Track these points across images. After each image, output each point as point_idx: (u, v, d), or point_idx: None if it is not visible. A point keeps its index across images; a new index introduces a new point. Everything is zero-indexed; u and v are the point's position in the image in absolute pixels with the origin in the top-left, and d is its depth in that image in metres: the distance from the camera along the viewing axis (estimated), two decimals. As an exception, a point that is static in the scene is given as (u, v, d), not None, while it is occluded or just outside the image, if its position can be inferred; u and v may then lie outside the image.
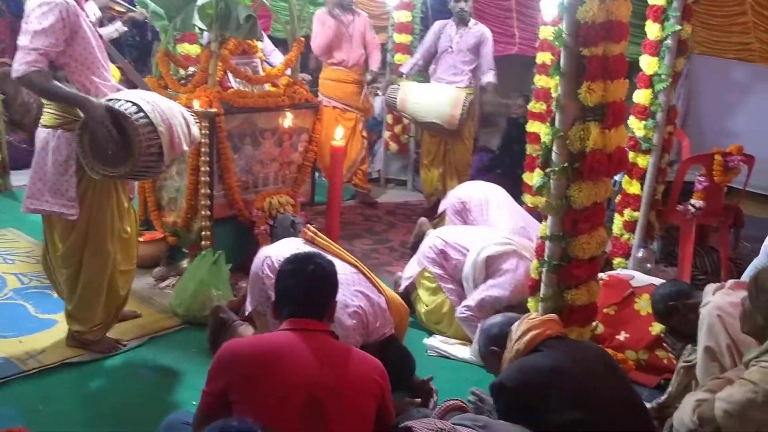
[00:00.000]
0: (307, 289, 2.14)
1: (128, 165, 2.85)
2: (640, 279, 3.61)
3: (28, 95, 6.15)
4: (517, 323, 2.43)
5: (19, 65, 2.78)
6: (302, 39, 4.45)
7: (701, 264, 4.46)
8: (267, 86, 4.38)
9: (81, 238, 3.09)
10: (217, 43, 4.03)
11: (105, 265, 3.16)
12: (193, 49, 5.78)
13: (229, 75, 4.21)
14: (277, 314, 2.21)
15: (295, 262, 2.22)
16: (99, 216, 3.08)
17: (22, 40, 2.81)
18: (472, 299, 3.62)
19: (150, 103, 2.92)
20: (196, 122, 3.33)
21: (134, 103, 2.87)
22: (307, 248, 3.10)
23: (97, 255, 3.12)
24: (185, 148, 3.08)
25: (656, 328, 3.31)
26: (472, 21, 5.75)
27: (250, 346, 2.11)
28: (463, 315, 3.61)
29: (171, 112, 3.00)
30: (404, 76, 5.96)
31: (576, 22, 2.58)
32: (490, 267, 3.66)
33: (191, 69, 4.43)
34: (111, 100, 2.89)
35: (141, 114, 2.85)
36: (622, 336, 3.47)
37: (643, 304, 3.45)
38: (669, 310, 2.88)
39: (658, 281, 3.47)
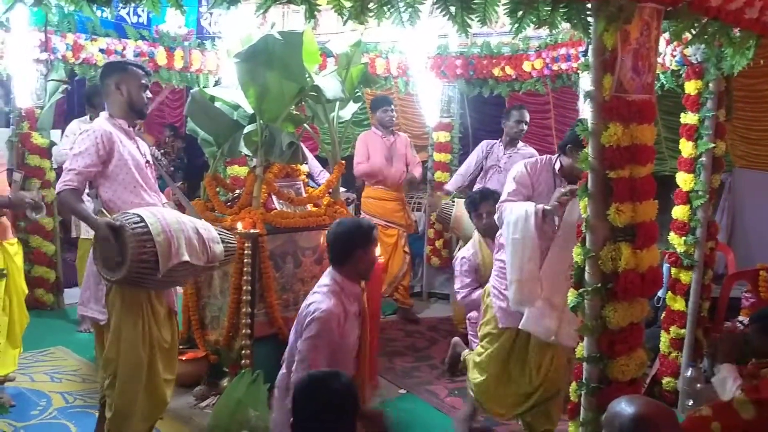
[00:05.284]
0: (323, 420, 2.11)
1: (123, 270, 3.03)
2: None
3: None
4: None
5: (59, 184, 3.17)
6: (343, 162, 4.64)
7: (755, 383, 4.27)
8: (309, 206, 4.54)
9: (115, 345, 3.21)
10: (261, 168, 4.24)
11: (138, 372, 3.22)
12: (242, 171, 6.11)
13: (273, 197, 4.38)
14: None
15: (308, 389, 2.19)
16: (129, 322, 3.20)
17: (65, 164, 3.22)
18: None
19: (155, 215, 3.12)
20: (228, 242, 3.45)
21: (139, 215, 3.09)
22: None
23: (129, 362, 3.21)
24: (186, 258, 3.15)
25: None
26: (521, 143, 5.87)
27: None
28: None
29: (178, 226, 3.16)
30: (449, 194, 6.07)
31: (601, 145, 2.65)
32: None
33: (237, 191, 4.64)
34: (123, 214, 3.12)
35: (142, 225, 3.05)
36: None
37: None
38: None
39: None
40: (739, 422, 2.81)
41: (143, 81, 3.38)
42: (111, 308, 3.21)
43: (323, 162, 6.15)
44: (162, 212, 3.20)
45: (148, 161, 3.46)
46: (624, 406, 2.07)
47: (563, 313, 3.33)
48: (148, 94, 3.44)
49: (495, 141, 5.93)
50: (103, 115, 3.37)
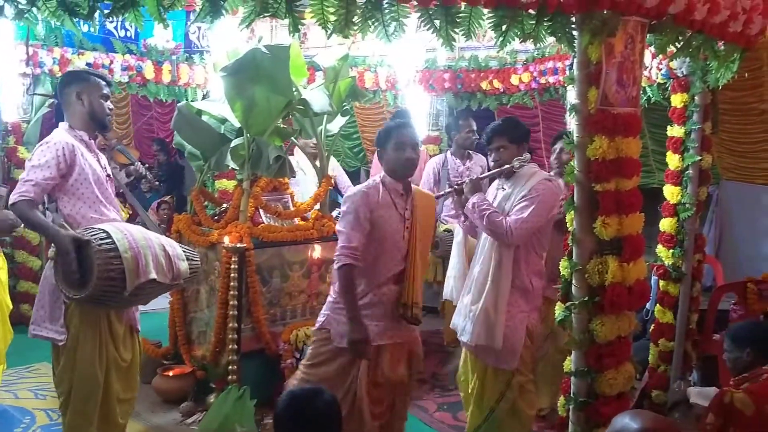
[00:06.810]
0: None
1: (89, 288, 2.92)
2: None
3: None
4: None
5: (13, 195, 2.99)
6: (330, 176, 4.63)
7: (745, 396, 4.25)
8: (296, 220, 4.52)
9: (70, 363, 3.10)
10: (248, 182, 4.23)
11: (93, 392, 3.12)
12: (230, 185, 6.08)
13: (260, 211, 4.36)
14: None
15: (291, 407, 2.15)
16: (86, 341, 3.10)
17: (23, 175, 3.05)
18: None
19: (122, 231, 3.03)
20: (192, 260, 3.36)
21: (105, 231, 2.99)
22: None
23: (84, 381, 3.11)
24: (154, 276, 3.07)
25: None
26: (470, 151, 5.71)
27: None
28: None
29: (145, 243, 3.07)
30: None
31: (587, 158, 2.65)
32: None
33: (224, 205, 4.61)
34: (87, 229, 3.02)
35: (108, 241, 2.95)
36: None
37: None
38: None
39: None
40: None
41: (105, 91, 3.24)
42: (69, 326, 3.08)
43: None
44: (128, 228, 3.11)
45: (108, 175, 3.33)
46: (628, 421, 2.01)
47: (471, 312, 3.46)
48: (110, 105, 3.28)
49: (440, 156, 5.79)
50: (63, 126, 3.21)
